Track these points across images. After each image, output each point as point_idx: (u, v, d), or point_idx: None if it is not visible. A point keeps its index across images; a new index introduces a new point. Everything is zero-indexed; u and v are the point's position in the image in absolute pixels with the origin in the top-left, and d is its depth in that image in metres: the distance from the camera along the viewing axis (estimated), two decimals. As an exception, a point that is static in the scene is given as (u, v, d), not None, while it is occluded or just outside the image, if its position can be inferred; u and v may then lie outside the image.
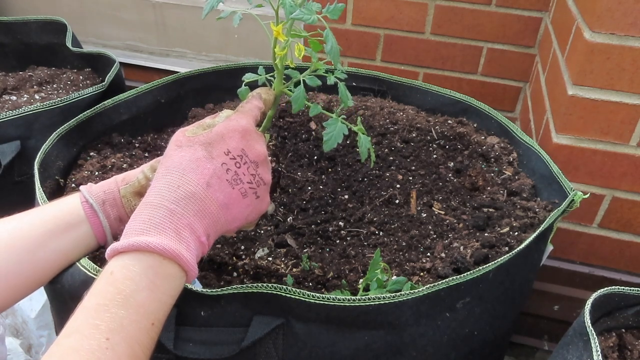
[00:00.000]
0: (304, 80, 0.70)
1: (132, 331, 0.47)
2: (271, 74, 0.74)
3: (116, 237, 0.71)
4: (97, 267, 0.66)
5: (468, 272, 0.69)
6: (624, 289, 0.77)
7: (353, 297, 0.64)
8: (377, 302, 0.64)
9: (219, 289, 0.64)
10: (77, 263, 0.67)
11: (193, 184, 0.55)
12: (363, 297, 0.64)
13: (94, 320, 0.47)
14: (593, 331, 0.68)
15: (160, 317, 0.51)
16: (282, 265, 0.81)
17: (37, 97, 1.30)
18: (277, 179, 0.71)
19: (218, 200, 0.57)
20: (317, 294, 0.64)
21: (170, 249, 0.51)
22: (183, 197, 0.54)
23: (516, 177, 0.99)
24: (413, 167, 1.04)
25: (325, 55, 0.67)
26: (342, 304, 0.63)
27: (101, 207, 0.67)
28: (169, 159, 0.58)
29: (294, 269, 0.80)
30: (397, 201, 0.96)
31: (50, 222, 0.64)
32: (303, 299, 0.64)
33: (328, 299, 0.63)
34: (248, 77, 0.77)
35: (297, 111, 0.68)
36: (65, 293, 0.70)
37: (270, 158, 0.69)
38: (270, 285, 0.64)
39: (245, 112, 0.65)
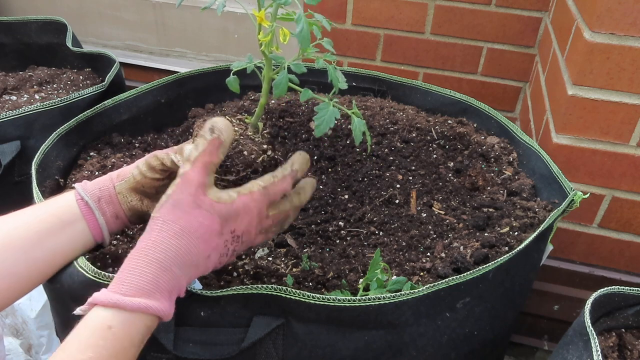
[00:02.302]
0: (289, 67, 0.68)
1: None
2: (259, 61, 0.73)
3: (113, 234, 0.71)
4: (96, 269, 0.66)
5: (468, 272, 0.69)
6: (624, 289, 0.77)
7: (353, 298, 0.64)
8: (377, 302, 0.64)
9: (219, 290, 0.64)
10: (76, 264, 0.67)
11: (199, 255, 0.58)
12: (363, 297, 0.64)
13: None
14: (593, 331, 0.68)
15: None
16: (282, 265, 0.81)
17: (37, 97, 1.30)
18: (273, 167, 0.71)
19: (209, 268, 0.61)
20: (317, 295, 0.64)
21: (167, 313, 0.55)
22: (188, 265, 0.57)
23: (516, 177, 0.99)
24: (413, 167, 1.04)
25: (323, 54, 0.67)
26: (342, 304, 0.63)
27: (97, 205, 0.67)
28: (186, 216, 0.57)
29: (294, 269, 0.80)
30: (397, 201, 0.96)
31: (46, 221, 0.64)
32: (303, 299, 0.64)
33: (328, 299, 0.63)
34: (236, 65, 0.75)
35: (278, 96, 0.66)
36: (65, 293, 0.69)
37: (265, 146, 0.69)
38: (270, 286, 0.64)
39: (267, 191, 0.63)
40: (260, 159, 0.68)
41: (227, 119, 0.72)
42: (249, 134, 0.70)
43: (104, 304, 0.53)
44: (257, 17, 0.63)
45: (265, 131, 0.72)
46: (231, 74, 0.74)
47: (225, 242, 0.60)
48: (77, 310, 0.55)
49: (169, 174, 0.69)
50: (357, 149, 1.08)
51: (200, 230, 0.57)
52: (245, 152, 0.66)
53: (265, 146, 0.69)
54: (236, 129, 0.70)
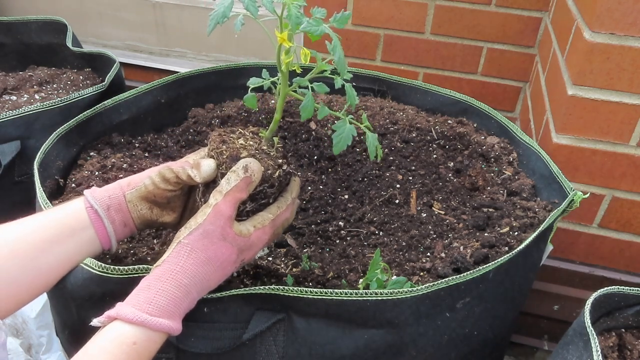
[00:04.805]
0: (312, 87, 0.69)
1: None
2: (276, 77, 0.74)
3: (119, 241, 0.71)
4: (103, 264, 0.67)
5: (468, 272, 0.69)
6: (624, 289, 0.77)
7: (351, 291, 0.64)
8: (374, 298, 0.64)
9: (219, 293, 0.65)
10: (80, 263, 0.67)
11: (215, 281, 0.64)
12: (360, 291, 0.64)
13: None
14: (593, 331, 0.68)
15: None
16: (282, 265, 0.81)
17: (37, 97, 1.30)
18: (287, 181, 0.72)
19: (212, 287, 0.65)
20: (316, 289, 0.64)
21: (179, 331, 0.60)
22: (205, 289, 0.63)
23: (516, 177, 0.99)
24: (413, 167, 1.04)
25: (327, 55, 0.67)
26: (340, 297, 0.64)
27: (106, 213, 0.67)
28: (213, 246, 0.62)
29: (294, 269, 0.80)
30: (397, 201, 0.96)
31: (54, 228, 0.64)
32: (302, 295, 0.64)
33: (326, 292, 0.64)
34: (253, 82, 0.75)
35: (305, 119, 0.68)
36: (66, 293, 0.70)
37: (281, 161, 0.70)
38: (269, 287, 0.65)
39: (274, 223, 0.68)
40: (277, 174, 0.68)
41: (242, 132, 0.72)
42: (264, 148, 0.71)
43: (131, 321, 0.55)
44: (279, 38, 0.63)
45: (279, 145, 0.73)
46: (249, 90, 0.75)
47: (235, 268, 0.66)
48: (95, 322, 0.57)
49: (182, 185, 0.69)
50: (357, 149, 1.08)
51: (221, 259, 0.63)
52: (263, 168, 0.67)
53: (280, 161, 0.70)
54: (251, 143, 0.71)
